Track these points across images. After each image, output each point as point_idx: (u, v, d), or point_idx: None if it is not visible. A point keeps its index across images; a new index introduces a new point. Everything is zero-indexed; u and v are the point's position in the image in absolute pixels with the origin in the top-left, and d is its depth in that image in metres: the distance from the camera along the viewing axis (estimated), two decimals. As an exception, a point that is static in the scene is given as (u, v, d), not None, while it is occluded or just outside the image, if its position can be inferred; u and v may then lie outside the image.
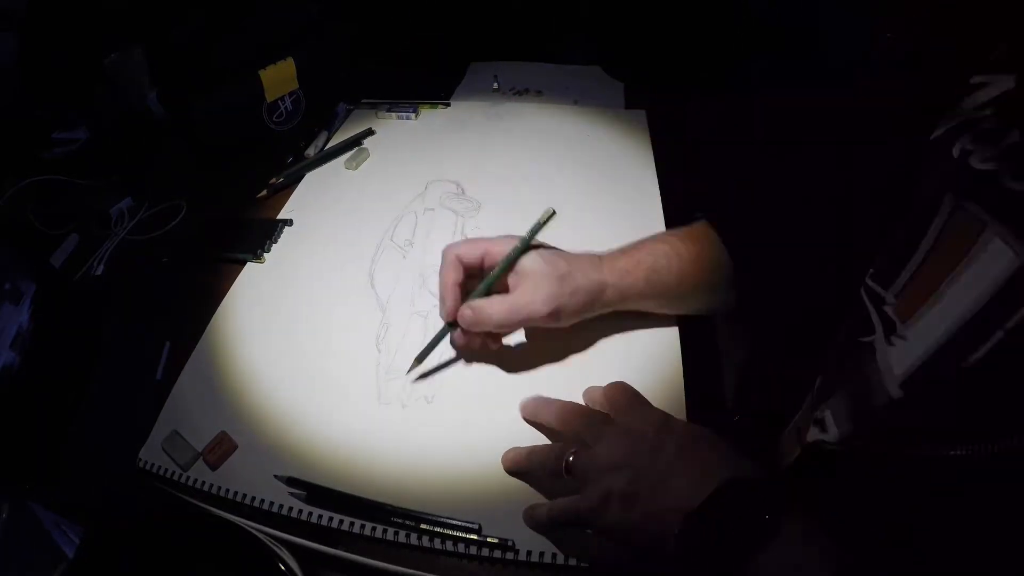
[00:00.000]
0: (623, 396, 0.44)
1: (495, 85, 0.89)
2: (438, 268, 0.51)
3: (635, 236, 0.58)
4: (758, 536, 0.33)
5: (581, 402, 0.48)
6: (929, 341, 0.31)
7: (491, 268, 0.48)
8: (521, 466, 0.44)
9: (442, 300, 0.48)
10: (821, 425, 0.39)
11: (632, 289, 0.48)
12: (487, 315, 0.46)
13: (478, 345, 0.49)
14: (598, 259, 0.49)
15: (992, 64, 0.31)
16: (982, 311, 0.29)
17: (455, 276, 0.48)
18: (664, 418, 0.42)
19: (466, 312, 0.47)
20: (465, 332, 0.48)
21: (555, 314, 0.46)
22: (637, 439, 0.39)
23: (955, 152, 0.31)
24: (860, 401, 0.36)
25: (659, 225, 0.64)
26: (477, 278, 0.49)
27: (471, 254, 0.48)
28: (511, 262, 0.47)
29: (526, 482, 0.44)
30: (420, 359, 0.50)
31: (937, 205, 0.31)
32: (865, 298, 0.37)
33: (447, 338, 0.51)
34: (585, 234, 0.63)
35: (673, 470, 0.37)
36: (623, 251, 0.50)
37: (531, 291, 0.45)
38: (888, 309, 0.35)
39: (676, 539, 0.34)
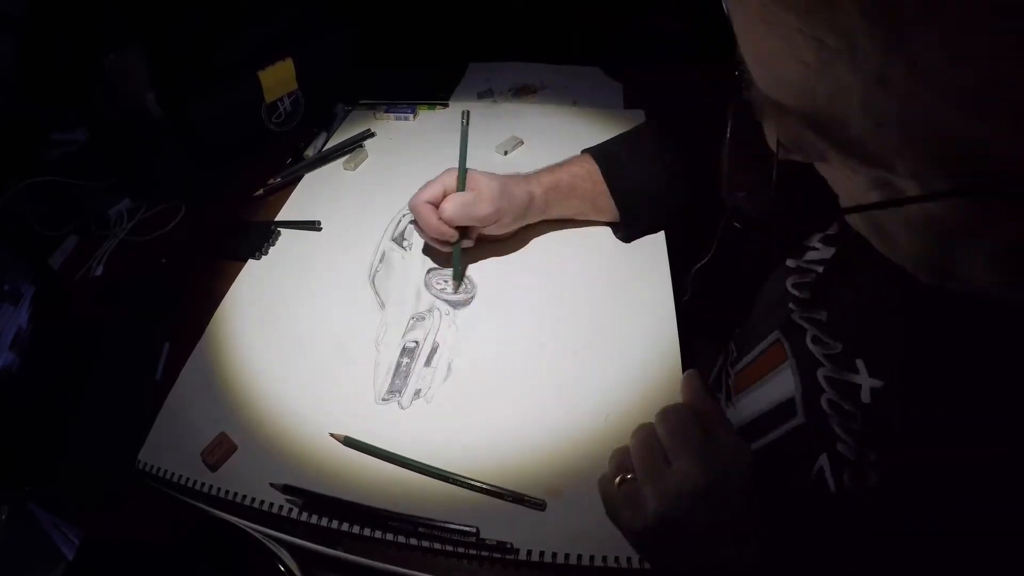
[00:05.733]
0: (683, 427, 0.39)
1: (489, 87, 0.89)
2: (437, 268, 0.57)
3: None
4: None
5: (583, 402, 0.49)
6: (742, 417, 0.47)
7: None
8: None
9: (435, 232, 0.57)
10: None
11: (554, 202, 0.60)
12: (445, 210, 0.55)
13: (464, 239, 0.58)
14: (525, 177, 0.60)
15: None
16: (766, 414, 0.45)
17: (430, 213, 0.56)
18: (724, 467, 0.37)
19: (446, 208, 0.56)
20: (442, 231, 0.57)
21: (496, 214, 0.57)
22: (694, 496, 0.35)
23: (788, 290, 0.45)
24: None
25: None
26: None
27: (434, 196, 0.57)
28: (463, 178, 0.57)
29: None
30: (457, 278, 0.59)
31: (770, 330, 0.46)
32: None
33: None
34: (585, 232, 0.64)
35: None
36: (548, 170, 0.61)
37: (476, 197, 0.56)
38: (730, 380, 0.52)
39: None
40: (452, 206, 0.55)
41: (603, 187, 0.60)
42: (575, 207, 0.62)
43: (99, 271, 0.69)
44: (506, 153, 0.76)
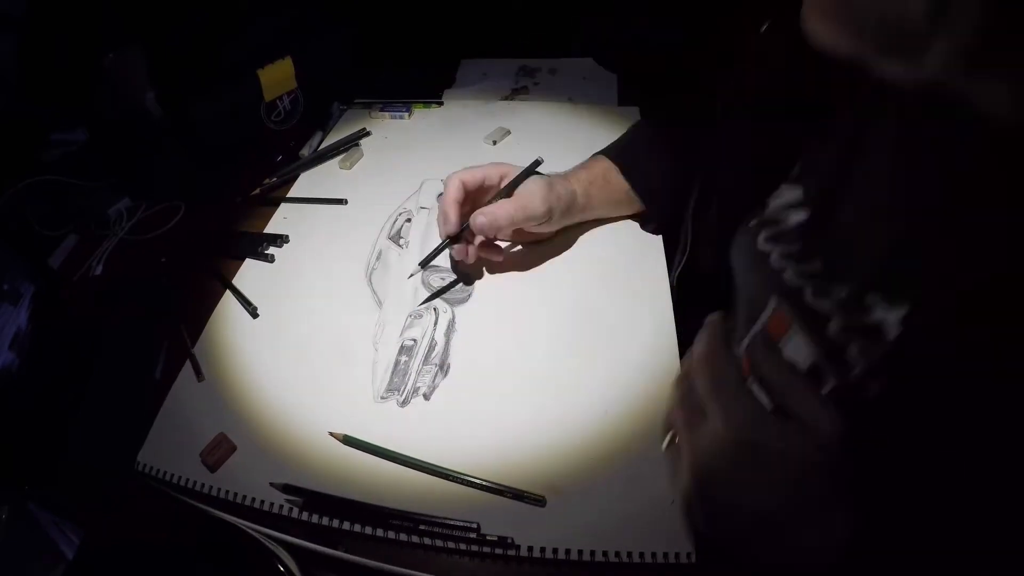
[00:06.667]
0: None
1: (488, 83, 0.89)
2: (435, 266, 0.56)
3: (630, 230, 0.63)
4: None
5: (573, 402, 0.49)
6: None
7: (487, 190, 0.57)
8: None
9: (445, 217, 0.55)
10: None
11: (595, 197, 0.60)
12: (496, 216, 0.54)
13: (473, 258, 0.57)
14: (564, 177, 0.59)
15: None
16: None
17: (456, 195, 0.56)
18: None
19: (479, 218, 0.54)
20: (465, 244, 0.56)
21: (549, 212, 0.55)
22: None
23: (762, 247, 0.40)
24: None
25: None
26: (471, 202, 0.57)
27: (472, 179, 0.56)
28: (513, 187, 0.56)
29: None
30: (423, 264, 0.57)
31: (766, 298, 0.39)
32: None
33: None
34: (581, 229, 0.63)
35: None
36: (581, 167, 0.61)
37: (529, 196, 0.55)
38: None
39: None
40: (507, 210, 0.54)
41: (623, 185, 0.60)
42: (611, 204, 0.62)
43: (99, 271, 0.69)
44: (495, 143, 0.77)
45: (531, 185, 0.56)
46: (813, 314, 0.36)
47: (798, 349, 0.37)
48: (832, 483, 0.30)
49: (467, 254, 0.56)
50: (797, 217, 0.38)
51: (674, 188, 0.58)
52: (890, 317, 0.31)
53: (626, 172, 0.60)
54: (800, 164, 0.40)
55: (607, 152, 0.62)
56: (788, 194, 0.39)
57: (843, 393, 0.34)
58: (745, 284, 0.44)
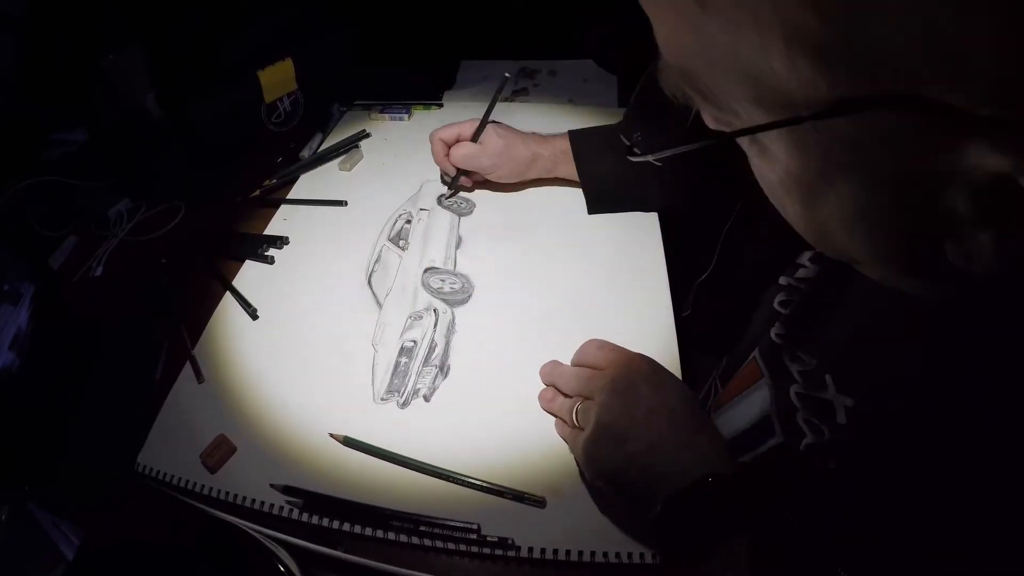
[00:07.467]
0: (612, 352, 0.47)
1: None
2: (434, 268, 0.58)
3: (629, 230, 0.63)
4: (722, 533, 0.36)
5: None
6: (726, 431, 0.45)
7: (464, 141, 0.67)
8: (548, 408, 0.49)
9: (443, 168, 0.70)
10: None
11: (563, 164, 0.67)
12: (452, 155, 0.67)
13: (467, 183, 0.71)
14: (541, 138, 0.68)
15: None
16: (746, 431, 0.43)
17: (441, 149, 0.69)
18: (657, 375, 0.44)
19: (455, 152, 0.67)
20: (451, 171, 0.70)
21: (492, 168, 0.67)
22: (631, 398, 0.42)
23: (774, 308, 0.44)
24: None
25: (652, 219, 0.64)
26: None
27: (449, 135, 0.68)
28: (483, 124, 0.66)
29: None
30: (451, 187, 0.71)
31: (752, 348, 0.45)
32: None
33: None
34: (580, 231, 0.64)
35: (667, 434, 0.40)
36: (563, 136, 0.67)
37: (481, 150, 0.66)
38: (717, 397, 0.50)
39: (662, 503, 0.37)
40: (458, 155, 0.66)
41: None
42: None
43: (99, 271, 0.69)
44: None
45: (491, 141, 0.66)
46: (783, 374, 0.40)
47: (759, 401, 0.42)
48: None
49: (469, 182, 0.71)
50: (805, 287, 0.42)
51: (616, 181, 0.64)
52: (839, 402, 0.35)
53: (577, 156, 0.65)
54: None
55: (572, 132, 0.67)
56: (809, 271, 0.43)
57: (785, 452, 0.39)
58: (750, 329, 0.48)
